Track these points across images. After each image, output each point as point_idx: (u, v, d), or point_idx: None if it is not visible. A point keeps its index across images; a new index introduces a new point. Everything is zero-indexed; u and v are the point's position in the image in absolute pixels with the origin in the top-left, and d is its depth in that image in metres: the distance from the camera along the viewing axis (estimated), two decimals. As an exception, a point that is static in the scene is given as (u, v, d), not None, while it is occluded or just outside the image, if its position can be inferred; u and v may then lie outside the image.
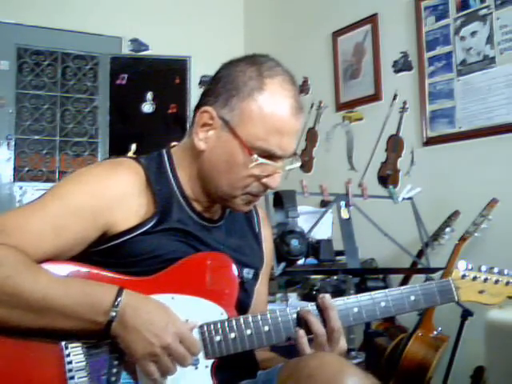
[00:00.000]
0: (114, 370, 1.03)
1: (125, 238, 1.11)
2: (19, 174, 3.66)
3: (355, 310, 1.16)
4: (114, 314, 1.00)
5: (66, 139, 3.80)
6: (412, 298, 1.21)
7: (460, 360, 2.22)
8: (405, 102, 3.04)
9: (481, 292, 1.29)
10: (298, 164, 1.25)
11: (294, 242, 1.70)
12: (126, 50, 3.96)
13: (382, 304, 1.18)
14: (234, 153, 1.13)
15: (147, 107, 3.89)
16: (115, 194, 1.11)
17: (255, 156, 1.12)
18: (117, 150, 3.69)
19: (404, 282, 2.60)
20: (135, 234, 1.11)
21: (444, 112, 2.82)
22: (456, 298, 1.26)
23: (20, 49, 3.68)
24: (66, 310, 0.99)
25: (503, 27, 2.57)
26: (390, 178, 3.10)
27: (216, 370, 1.08)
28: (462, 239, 2.30)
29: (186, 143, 1.22)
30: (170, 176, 1.20)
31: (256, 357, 1.26)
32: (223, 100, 1.14)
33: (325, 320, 1.11)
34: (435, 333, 2.36)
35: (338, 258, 2.45)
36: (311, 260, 2.44)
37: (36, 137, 3.71)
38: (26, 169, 3.68)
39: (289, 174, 3.84)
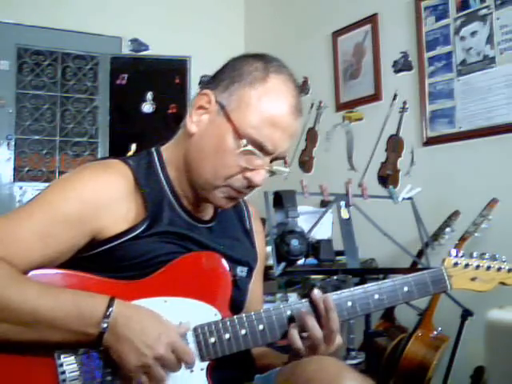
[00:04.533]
0: (109, 378, 1.02)
1: (115, 242, 1.08)
2: (19, 174, 3.66)
3: (349, 303, 1.14)
4: (105, 325, 0.98)
5: (66, 139, 3.80)
6: (405, 288, 1.20)
7: (460, 360, 2.22)
8: (405, 102, 3.04)
9: (473, 279, 1.28)
10: (287, 170, 1.22)
11: (294, 242, 1.70)
12: (126, 50, 3.96)
13: (376, 296, 1.17)
14: (224, 137, 1.11)
15: (147, 107, 3.89)
16: (102, 198, 1.08)
17: (244, 141, 1.09)
18: (117, 150, 3.69)
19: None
20: (126, 238, 1.09)
21: (444, 112, 2.82)
22: (448, 286, 1.25)
23: (20, 49, 3.68)
24: (56, 322, 0.98)
25: (503, 27, 2.57)
26: (389, 178, 3.10)
27: (212, 372, 1.07)
28: (462, 239, 2.30)
29: (178, 135, 1.21)
30: (161, 175, 1.17)
31: (253, 356, 1.25)
32: (224, 85, 1.13)
33: (323, 320, 1.09)
34: (435, 333, 2.36)
35: (338, 257, 2.45)
36: (311, 260, 2.43)
37: (36, 137, 3.71)
38: (26, 169, 3.68)
39: (289, 174, 3.84)
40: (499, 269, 1.30)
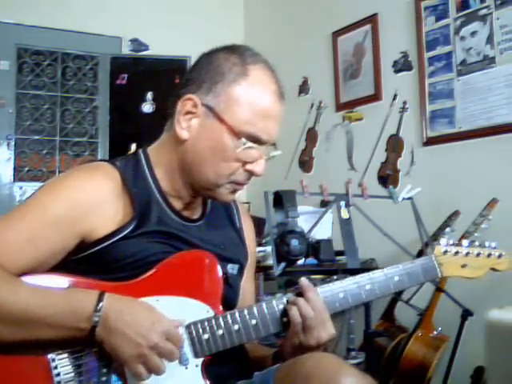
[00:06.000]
0: (104, 379, 1.02)
1: (104, 244, 1.09)
2: (19, 174, 3.66)
3: (341, 295, 1.16)
4: (96, 318, 0.99)
5: (66, 139, 3.80)
6: (396, 278, 1.21)
7: (460, 360, 2.22)
8: (405, 102, 3.04)
9: (463, 266, 1.30)
10: (279, 152, 1.23)
11: (294, 242, 1.70)
12: (126, 50, 3.96)
13: (367, 287, 1.18)
14: (221, 138, 1.12)
15: (147, 107, 3.89)
16: (91, 200, 1.09)
17: (243, 140, 1.11)
18: (117, 150, 3.69)
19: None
20: (115, 239, 1.09)
21: (444, 112, 2.82)
22: (439, 274, 1.27)
23: (20, 49, 3.68)
24: (48, 319, 0.99)
25: (503, 27, 2.57)
26: (389, 178, 3.10)
27: (208, 369, 1.08)
28: (462, 239, 2.29)
29: (164, 138, 1.21)
30: (148, 175, 1.18)
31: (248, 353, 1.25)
32: (207, 87, 1.14)
33: (307, 301, 1.12)
34: (435, 333, 2.36)
35: (338, 258, 2.44)
36: (311, 260, 2.43)
37: (36, 137, 3.71)
38: (26, 169, 3.68)
39: (289, 173, 3.84)
40: (489, 255, 1.32)
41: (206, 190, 1.18)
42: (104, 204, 1.11)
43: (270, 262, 1.77)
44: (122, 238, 1.10)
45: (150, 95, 3.87)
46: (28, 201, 1.10)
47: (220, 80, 1.13)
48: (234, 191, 1.19)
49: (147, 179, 1.18)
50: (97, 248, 1.09)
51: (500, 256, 1.33)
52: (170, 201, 1.18)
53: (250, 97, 1.12)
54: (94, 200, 1.10)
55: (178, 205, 1.20)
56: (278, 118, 1.16)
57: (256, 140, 1.13)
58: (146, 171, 1.19)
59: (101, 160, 1.21)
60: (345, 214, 1.92)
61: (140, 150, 1.23)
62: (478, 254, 1.31)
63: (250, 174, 1.16)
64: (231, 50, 1.18)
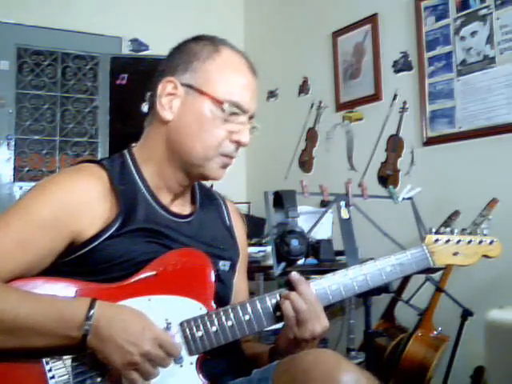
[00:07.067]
0: (98, 380, 1.02)
1: (92, 245, 1.09)
2: (19, 174, 3.66)
3: (333, 287, 1.17)
4: (87, 327, 0.98)
5: (66, 139, 3.80)
6: (388, 268, 1.22)
7: (460, 360, 2.22)
8: (405, 102, 3.04)
9: (455, 254, 1.30)
10: (258, 126, 1.24)
11: (294, 242, 1.70)
12: (126, 50, 3.96)
13: (360, 278, 1.19)
14: (204, 109, 1.15)
15: (147, 107, 3.88)
16: (78, 201, 1.09)
17: (226, 105, 1.14)
18: (117, 150, 3.67)
19: (404, 282, 2.60)
20: (102, 239, 1.09)
21: (444, 112, 2.82)
22: (431, 263, 1.27)
23: (20, 49, 3.68)
24: (39, 327, 0.98)
25: (503, 27, 2.57)
26: (390, 178, 3.10)
27: (204, 367, 1.08)
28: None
29: (147, 130, 1.26)
30: (134, 172, 1.19)
31: (244, 350, 1.25)
32: (183, 68, 1.18)
33: (300, 294, 1.13)
34: (435, 333, 2.36)
35: (338, 258, 2.44)
36: (311, 260, 2.44)
37: (36, 137, 3.71)
38: (26, 169, 3.68)
39: (289, 173, 3.83)
40: (480, 242, 1.32)
41: (196, 167, 1.18)
42: (91, 204, 1.11)
43: (270, 262, 1.77)
44: (108, 237, 1.09)
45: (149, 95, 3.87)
46: (16, 204, 1.10)
47: (194, 59, 1.17)
48: (224, 166, 1.20)
49: (133, 176, 1.19)
50: (86, 249, 1.09)
51: (491, 242, 1.33)
52: (157, 196, 1.19)
53: (226, 70, 1.16)
54: (80, 201, 1.10)
55: (166, 198, 1.20)
56: (254, 90, 1.20)
57: (238, 107, 1.16)
58: (132, 168, 1.20)
59: (87, 161, 1.23)
60: (345, 214, 1.92)
61: (125, 150, 1.25)
62: (470, 242, 1.31)
63: (237, 144, 1.18)
64: (199, 37, 1.23)
